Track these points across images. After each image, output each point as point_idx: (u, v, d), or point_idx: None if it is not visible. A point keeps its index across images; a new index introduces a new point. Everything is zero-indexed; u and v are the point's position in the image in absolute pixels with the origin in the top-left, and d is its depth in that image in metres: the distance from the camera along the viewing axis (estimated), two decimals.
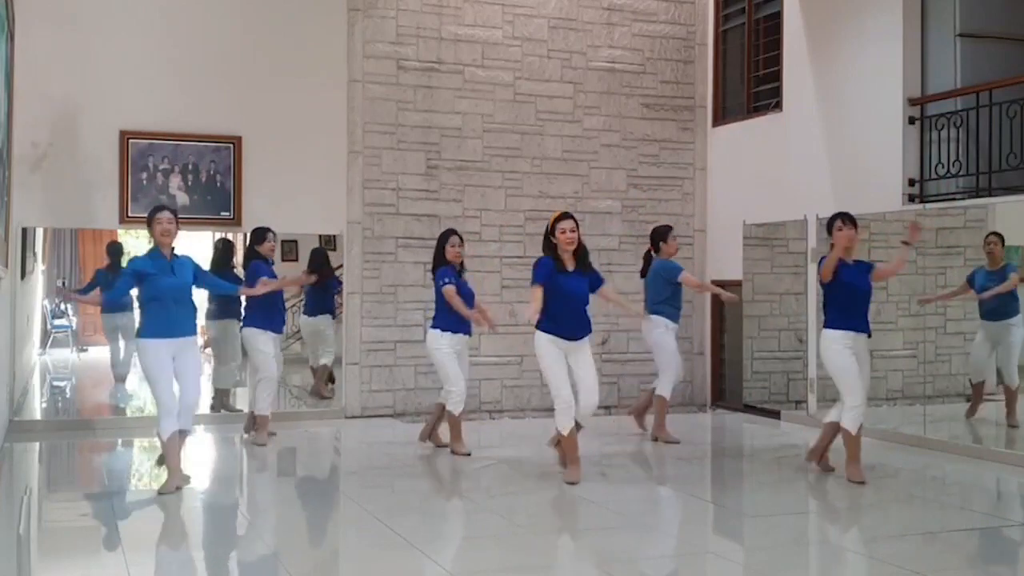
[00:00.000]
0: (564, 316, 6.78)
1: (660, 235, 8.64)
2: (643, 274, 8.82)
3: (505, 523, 6.15)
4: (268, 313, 8.30)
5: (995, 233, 8.46)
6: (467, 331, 7.91)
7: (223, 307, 9.50)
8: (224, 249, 9.50)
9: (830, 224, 7.05)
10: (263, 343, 8.27)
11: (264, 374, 8.32)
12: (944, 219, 8.79)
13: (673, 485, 7.19)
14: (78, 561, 5.36)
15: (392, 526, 5.73)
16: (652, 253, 8.72)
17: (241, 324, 8.53)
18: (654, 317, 8.51)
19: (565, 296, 6.76)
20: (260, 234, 8.38)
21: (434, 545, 5.42)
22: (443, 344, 7.80)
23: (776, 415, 9.86)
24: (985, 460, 7.71)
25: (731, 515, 6.57)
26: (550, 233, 6.82)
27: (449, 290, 7.74)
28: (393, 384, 9.89)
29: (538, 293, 6.73)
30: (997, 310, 8.50)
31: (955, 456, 7.92)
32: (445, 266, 7.86)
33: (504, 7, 10.29)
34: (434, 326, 7.90)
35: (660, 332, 8.50)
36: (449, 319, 7.81)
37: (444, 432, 8.09)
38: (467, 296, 7.89)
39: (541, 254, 6.90)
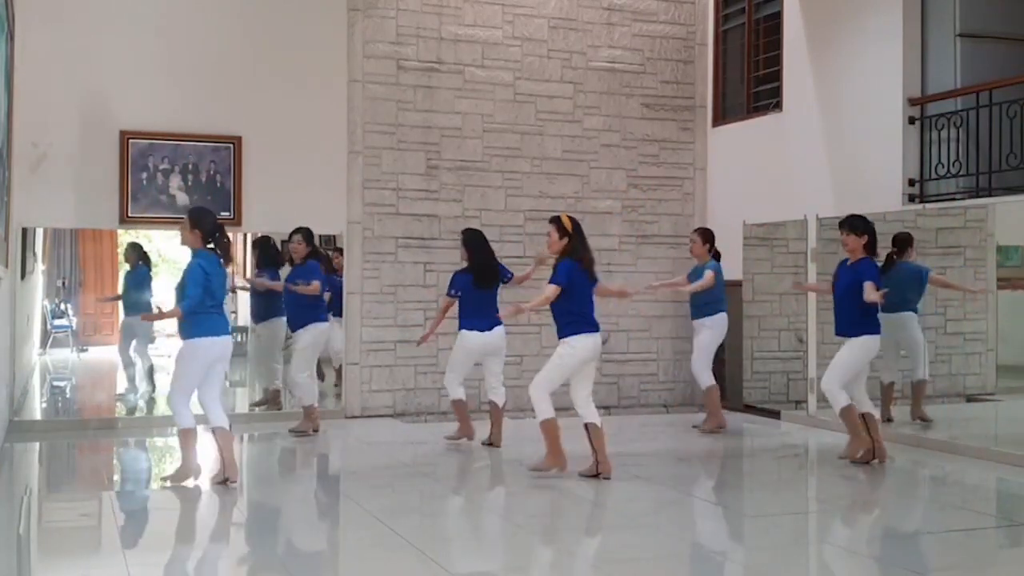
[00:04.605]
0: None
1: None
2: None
3: (505, 523, 6.16)
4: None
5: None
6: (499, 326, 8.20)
7: (268, 307, 9.50)
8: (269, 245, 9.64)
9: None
10: (302, 339, 8.51)
11: (290, 373, 8.64)
12: (944, 219, 8.80)
13: (673, 485, 7.18)
14: (78, 561, 5.37)
15: (392, 526, 5.73)
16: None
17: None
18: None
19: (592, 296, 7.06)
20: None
21: (434, 545, 5.42)
22: (473, 343, 8.14)
23: (776, 415, 9.86)
24: (985, 460, 7.72)
25: (731, 515, 6.56)
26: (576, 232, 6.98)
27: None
28: (393, 384, 9.89)
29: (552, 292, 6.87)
30: (892, 302, 8.33)
31: (955, 456, 7.93)
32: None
33: (504, 7, 10.29)
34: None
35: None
36: (478, 321, 8.10)
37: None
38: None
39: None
